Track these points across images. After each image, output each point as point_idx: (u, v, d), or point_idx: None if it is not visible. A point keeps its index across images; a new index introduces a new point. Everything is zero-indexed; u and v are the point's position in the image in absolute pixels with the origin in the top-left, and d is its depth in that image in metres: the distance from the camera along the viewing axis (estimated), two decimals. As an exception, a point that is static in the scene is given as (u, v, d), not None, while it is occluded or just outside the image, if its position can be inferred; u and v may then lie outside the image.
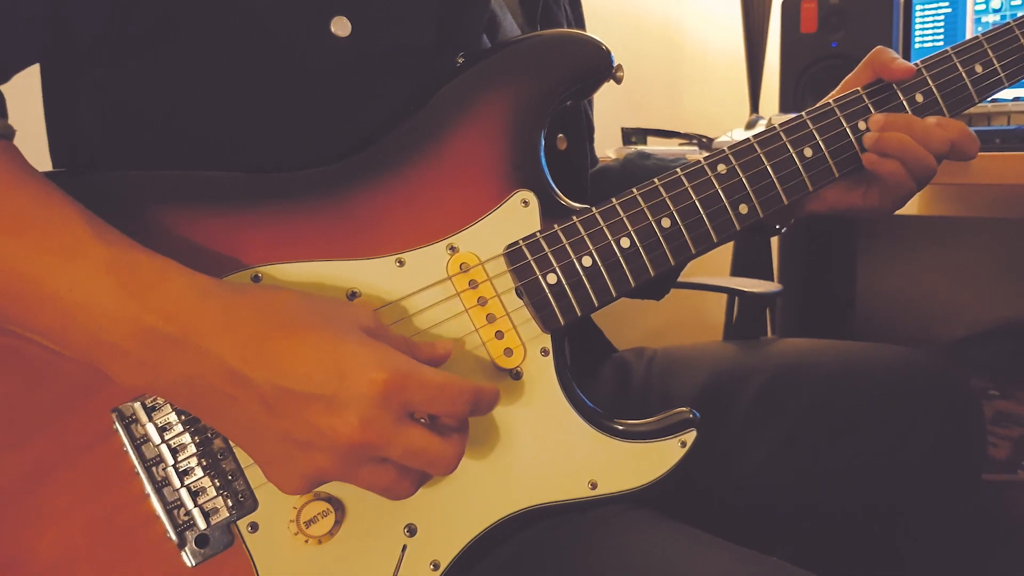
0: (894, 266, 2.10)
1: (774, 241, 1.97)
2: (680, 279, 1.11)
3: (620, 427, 0.73)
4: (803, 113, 0.83)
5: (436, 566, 0.68)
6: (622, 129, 1.77)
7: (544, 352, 0.73)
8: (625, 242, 0.75)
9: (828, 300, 1.96)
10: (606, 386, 1.01)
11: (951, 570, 0.98)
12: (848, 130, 0.83)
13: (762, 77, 2.09)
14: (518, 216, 0.73)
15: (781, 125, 0.81)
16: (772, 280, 1.93)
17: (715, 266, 1.98)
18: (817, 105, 0.84)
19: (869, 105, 0.84)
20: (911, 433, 0.93)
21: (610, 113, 1.56)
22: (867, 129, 0.83)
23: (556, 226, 0.74)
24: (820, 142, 0.82)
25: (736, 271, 1.92)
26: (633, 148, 1.67)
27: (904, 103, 0.85)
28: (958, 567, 1.00)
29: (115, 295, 0.57)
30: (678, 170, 0.78)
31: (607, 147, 1.69)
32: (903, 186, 0.84)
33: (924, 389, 0.97)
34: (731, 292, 1.39)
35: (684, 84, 2.26)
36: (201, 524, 0.64)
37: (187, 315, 0.57)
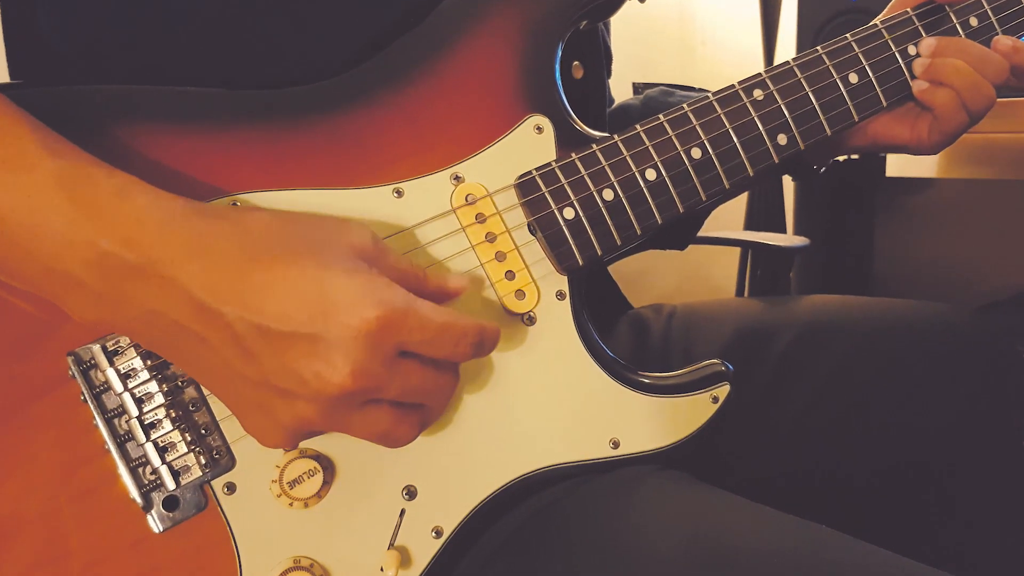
0: (914, 231, 2.02)
1: (788, 196, 1.89)
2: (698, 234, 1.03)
3: (646, 380, 0.65)
4: (848, 35, 0.74)
5: (438, 533, 0.60)
6: (633, 84, 1.68)
7: (560, 295, 0.65)
8: (651, 174, 0.67)
9: (846, 259, 1.88)
10: (622, 343, 0.93)
11: (986, 535, 0.91)
12: (897, 54, 0.75)
13: (777, 34, 2.00)
14: (531, 143, 0.65)
15: (823, 47, 0.73)
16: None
17: (729, 221, 1.90)
18: (863, 27, 0.75)
19: (919, 28, 0.76)
20: (949, 393, 0.86)
21: (618, 72, 1.49)
22: (917, 54, 0.75)
23: (574, 155, 0.65)
24: (867, 67, 0.73)
25: (749, 226, 1.84)
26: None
27: (957, 26, 0.77)
28: (993, 532, 0.93)
29: (66, 215, 0.48)
30: (709, 95, 0.70)
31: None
32: (955, 118, 0.76)
33: (963, 348, 0.89)
34: (754, 246, 1.31)
35: (695, 42, 2.17)
36: (170, 484, 0.56)
37: (149, 239, 0.49)
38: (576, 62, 0.78)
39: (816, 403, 0.87)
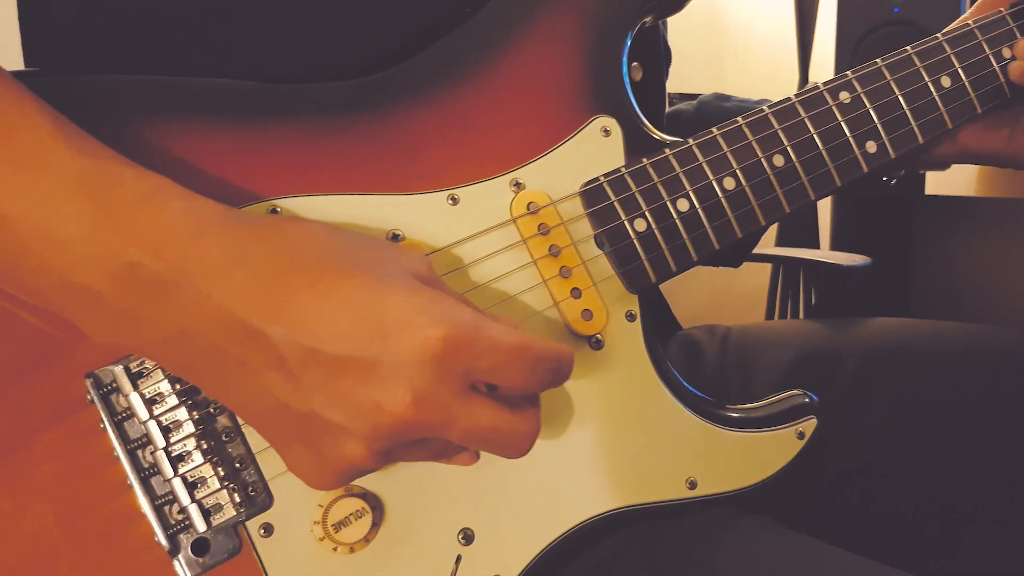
0: (954, 250, 1.96)
1: (824, 213, 1.82)
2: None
3: (735, 414, 0.59)
4: (938, 35, 0.68)
5: (498, 583, 0.54)
6: (669, 95, 1.62)
7: (630, 317, 0.59)
8: (729, 183, 0.60)
9: (883, 278, 1.81)
10: (674, 367, 0.87)
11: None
12: (991, 57, 0.68)
13: (813, 46, 1.94)
14: (598, 147, 0.59)
15: (914, 47, 0.67)
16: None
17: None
18: (953, 26, 0.69)
19: (1015, 29, 0.70)
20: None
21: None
22: (1012, 57, 0.69)
23: (645, 160, 0.59)
24: (960, 70, 0.67)
25: (781, 242, 1.77)
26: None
27: (1055, 28, 0.71)
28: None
29: (87, 220, 0.42)
30: (791, 97, 0.63)
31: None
32: None
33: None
34: (812, 264, 1.24)
35: (727, 55, 2.11)
36: (200, 525, 0.49)
37: (182, 249, 0.43)
38: (635, 63, 0.73)
39: (890, 433, 0.80)
